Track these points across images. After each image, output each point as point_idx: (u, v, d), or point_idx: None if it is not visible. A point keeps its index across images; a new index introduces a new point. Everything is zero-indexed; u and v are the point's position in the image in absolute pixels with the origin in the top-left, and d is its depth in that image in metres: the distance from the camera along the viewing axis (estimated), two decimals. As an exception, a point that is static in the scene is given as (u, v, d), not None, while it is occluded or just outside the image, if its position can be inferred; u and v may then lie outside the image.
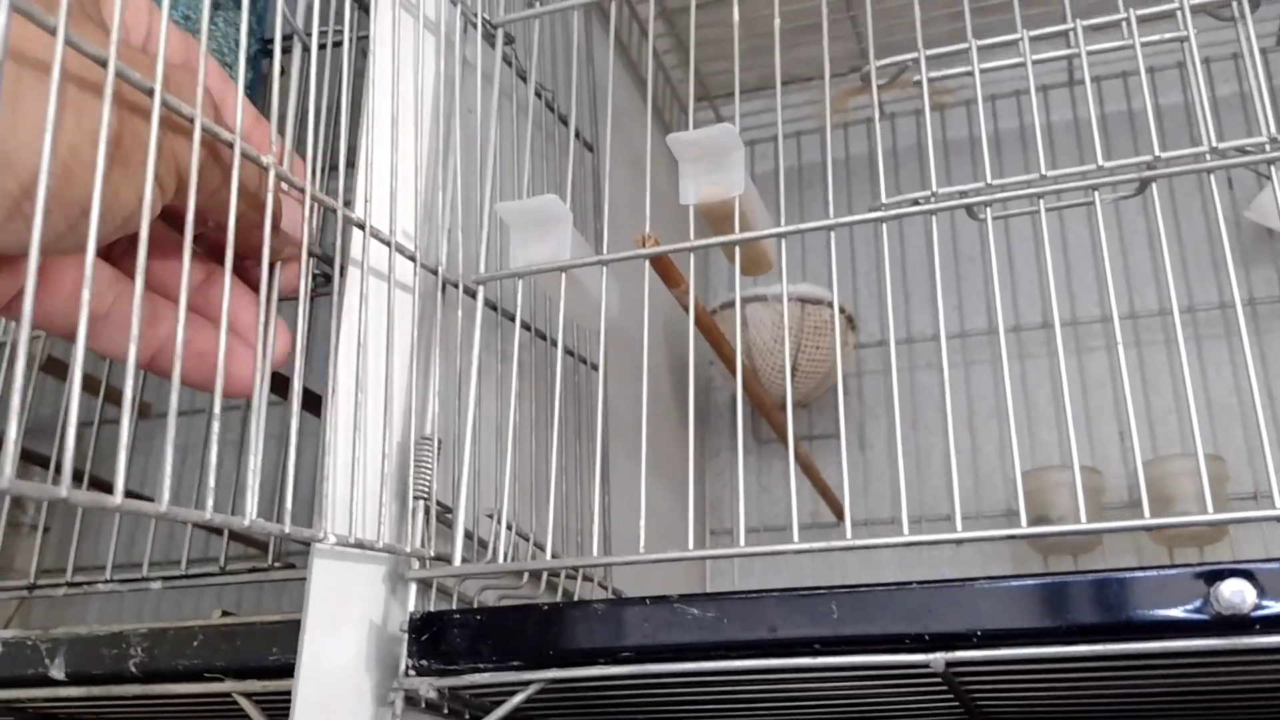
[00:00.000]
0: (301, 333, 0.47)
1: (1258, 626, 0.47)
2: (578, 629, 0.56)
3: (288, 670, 0.55)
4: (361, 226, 0.57)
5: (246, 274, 0.41)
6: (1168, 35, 0.57)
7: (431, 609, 0.60)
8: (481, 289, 0.67)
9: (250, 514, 0.43)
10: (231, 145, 0.39)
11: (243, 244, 0.39)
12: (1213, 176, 0.56)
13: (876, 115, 0.63)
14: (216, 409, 0.40)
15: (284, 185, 0.43)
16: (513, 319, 0.69)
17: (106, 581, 0.75)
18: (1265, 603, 0.47)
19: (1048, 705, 0.64)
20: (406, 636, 0.58)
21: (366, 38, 0.65)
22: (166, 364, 0.37)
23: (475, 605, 0.64)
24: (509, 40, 0.77)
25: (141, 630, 0.65)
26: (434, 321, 0.64)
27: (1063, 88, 1.34)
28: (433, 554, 0.61)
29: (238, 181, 0.39)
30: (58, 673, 0.66)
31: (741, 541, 0.57)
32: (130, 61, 0.33)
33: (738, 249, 0.65)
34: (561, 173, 0.84)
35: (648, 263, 0.67)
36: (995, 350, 1.29)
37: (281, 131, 0.44)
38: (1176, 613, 0.48)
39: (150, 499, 0.38)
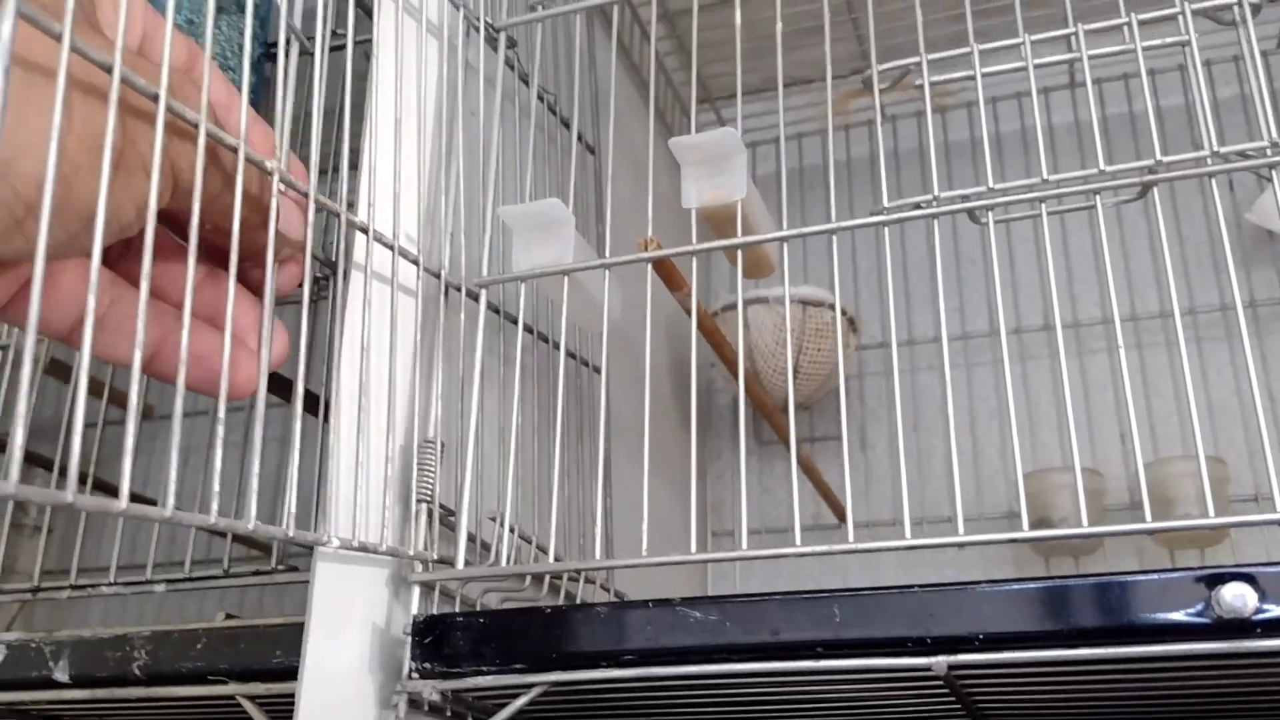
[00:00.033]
0: (304, 335, 0.48)
1: (1259, 630, 0.47)
2: (581, 632, 0.56)
3: (291, 673, 0.55)
4: (365, 230, 0.57)
5: (244, 275, 0.40)
6: (1169, 40, 0.57)
7: (435, 612, 0.60)
8: (484, 292, 0.67)
9: (253, 517, 0.43)
10: (229, 148, 0.39)
11: (244, 246, 0.39)
12: (1214, 180, 0.56)
13: (879, 120, 0.63)
14: (221, 413, 0.40)
15: (282, 187, 0.43)
16: (515, 322, 0.69)
17: (110, 584, 0.75)
18: (1266, 606, 0.47)
19: (1049, 708, 0.64)
20: (410, 639, 0.58)
21: (369, 41, 0.65)
22: (163, 366, 0.37)
23: (478, 608, 0.64)
24: (511, 44, 0.77)
25: (145, 633, 0.65)
26: (437, 325, 0.64)
27: (1064, 89, 1.34)
28: (436, 557, 0.61)
29: (241, 186, 0.39)
30: (62, 675, 0.66)
31: (744, 544, 0.57)
32: (130, 65, 0.33)
33: (740, 253, 0.65)
34: (564, 175, 0.85)
35: (650, 266, 0.67)
36: (997, 352, 1.29)
37: (280, 134, 0.44)
38: (1178, 616, 0.48)
39: (153, 501, 0.38)
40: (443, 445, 0.62)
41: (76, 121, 0.30)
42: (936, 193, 0.60)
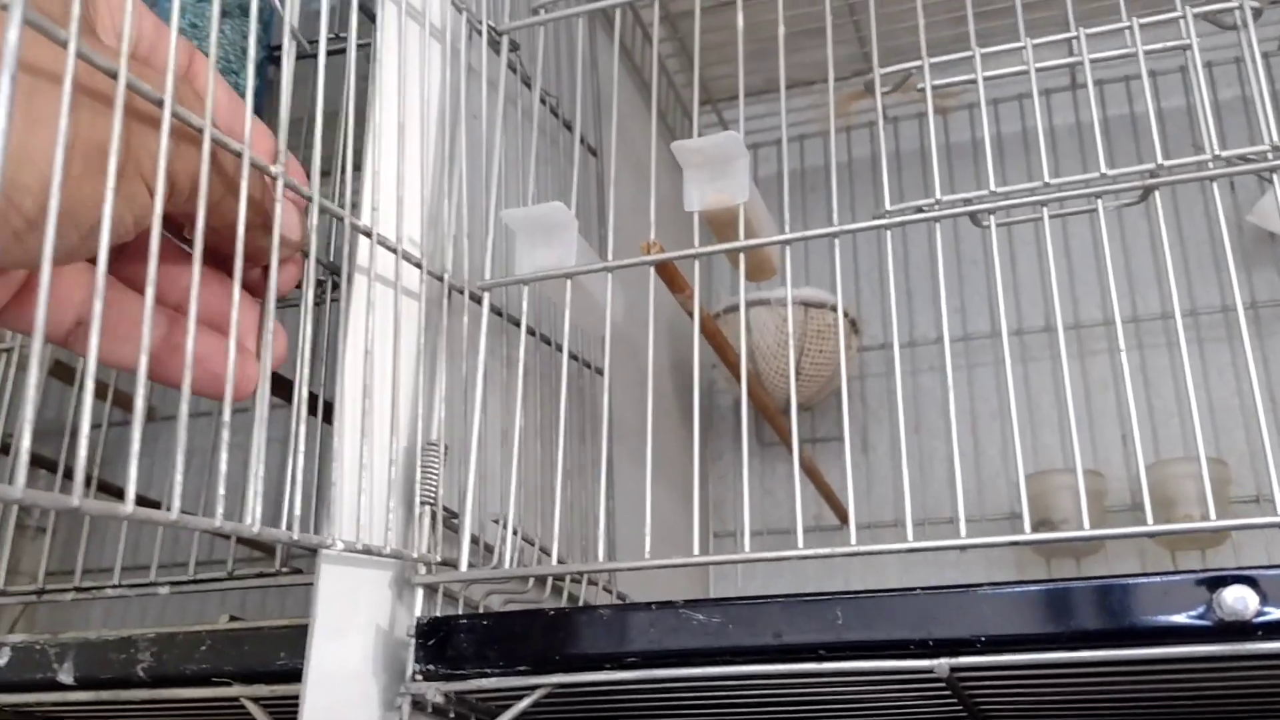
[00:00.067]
0: (306, 337, 0.48)
1: (1260, 632, 0.47)
2: (584, 634, 0.56)
3: (295, 675, 0.55)
4: (369, 234, 0.57)
5: (243, 276, 0.40)
6: (1171, 44, 0.58)
7: (438, 614, 0.61)
8: (487, 295, 0.68)
9: (258, 521, 0.43)
10: (233, 153, 0.39)
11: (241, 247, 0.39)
12: (1215, 182, 0.57)
13: (881, 123, 0.63)
14: (226, 416, 0.41)
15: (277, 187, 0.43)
16: (518, 324, 0.69)
17: (115, 586, 0.75)
18: (1267, 609, 0.47)
19: (1051, 709, 0.64)
20: (413, 641, 0.59)
21: (371, 44, 0.65)
22: (160, 368, 0.37)
23: (481, 610, 0.64)
24: (514, 47, 0.77)
25: (149, 635, 0.65)
26: (440, 327, 0.65)
27: (1065, 91, 1.35)
28: (439, 559, 0.61)
29: (245, 191, 0.39)
30: (66, 677, 0.66)
31: (747, 546, 0.58)
32: (131, 71, 0.33)
33: (742, 255, 0.65)
34: (566, 178, 0.85)
35: (652, 269, 0.67)
36: (998, 353, 1.30)
37: (282, 137, 0.44)
38: (1179, 619, 0.48)
39: (157, 503, 0.38)
40: (446, 447, 0.63)
41: (72, 130, 0.30)
42: (939, 196, 0.60)
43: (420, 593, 0.61)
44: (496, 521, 0.65)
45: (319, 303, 0.75)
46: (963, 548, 0.53)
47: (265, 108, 0.74)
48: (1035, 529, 1.10)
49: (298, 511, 0.47)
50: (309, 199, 0.46)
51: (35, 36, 0.30)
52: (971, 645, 0.50)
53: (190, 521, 0.39)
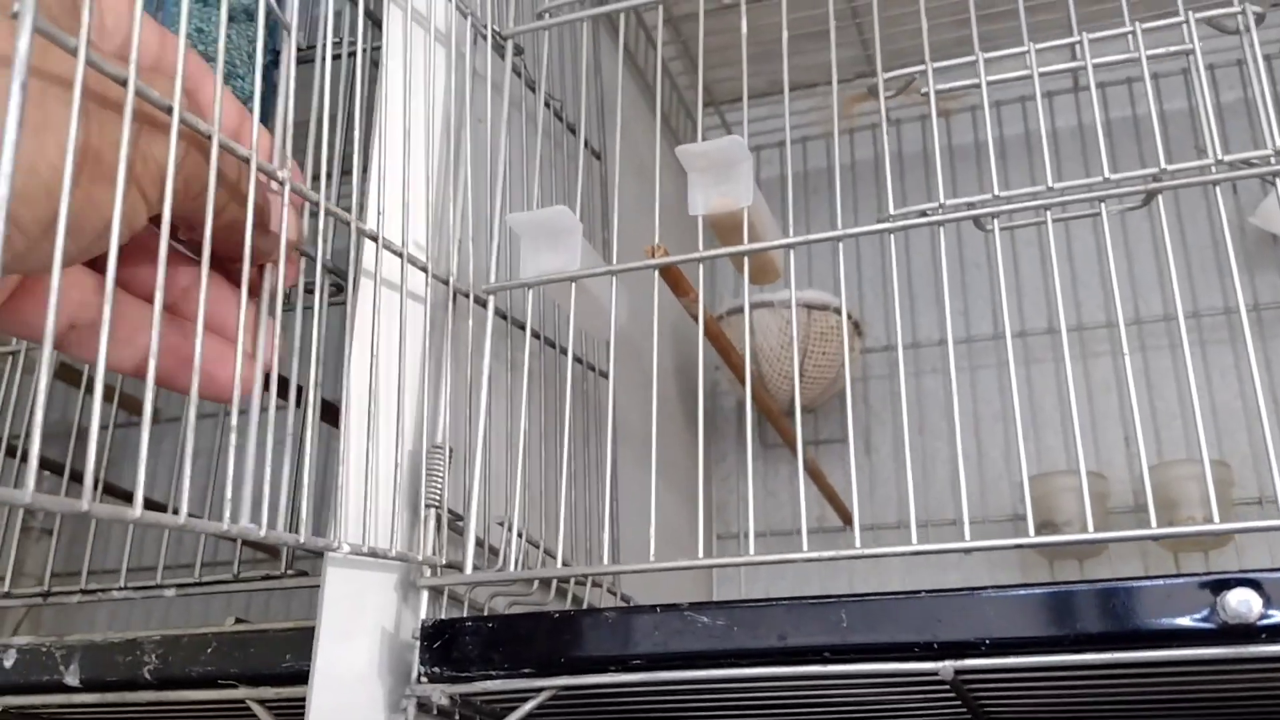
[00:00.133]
0: (316, 340, 0.48)
1: (1264, 635, 0.47)
2: (589, 636, 0.56)
3: (301, 677, 0.55)
4: (374, 238, 0.57)
5: (236, 277, 0.40)
6: (1173, 48, 0.58)
7: (443, 616, 0.61)
8: (492, 298, 0.68)
9: (265, 523, 0.43)
10: (241, 159, 0.39)
11: (234, 246, 0.38)
12: (1218, 186, 0.57)
13: (884, 127, 0.63)
14: (234, 420, 0.41)
15: (273, 186, 0.43)
16: (523, 328, 0.69)
17: (121, 589, 0.75)
18: (1271, 612, 0.47)
19: (1055, 712, 0.64)
20: (419, 644, 0.59)
21: (378, 48, 0.65)
22: (155, 369, 0.37)
23: (486, 612, 0.65)
24: (518, 51, 0.77)
25: (155, 637, 0.65)
26: (445, 331, 0.65)
27: (1067, 93, 1.35)
28: (444, 562, 0.61)
29: (241, 191, 0.39)
30: (72, 679, 0.66)
31: (751, 549, 0.58)
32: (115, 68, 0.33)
33: (746, 259, 0.65)
34: (570, 181, 0.85)
35: (656, 272, 0.67)
36: (1001, 355, 1.30)
37: (283, 141, 0.44)
38: (1183, 622, 0.48)
39: (162, 505, 0.39)
40: (451, 450, 0.63)
41: (62, 134, 0.30)
42: (942, 200, 0.60)
43: (425, 595, 0.61)
44: (501, 524, 0.66)
45: (309, 307, 0.74)
46: (967, 550, 0.53)
47: (271, 113, 0.75)
48: (1038, 530, 1.10)
49: (305, 514, 0.47)
50: (315, 203, 0.47)
51: (39, 42, 0.30)
52: (976, 648, 0.51)
53: (198, 525, 0.39)
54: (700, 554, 0.60)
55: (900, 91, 0.64)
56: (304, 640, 0.59)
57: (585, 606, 0.74)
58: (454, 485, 0.63)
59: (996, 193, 0.59)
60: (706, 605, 0.55)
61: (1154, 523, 0.52)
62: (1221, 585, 0.48)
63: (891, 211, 0.61)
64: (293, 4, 0.49)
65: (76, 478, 0.85)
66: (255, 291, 0.42)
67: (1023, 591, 0.51)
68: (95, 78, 0.32)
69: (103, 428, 0.82)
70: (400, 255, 0.60)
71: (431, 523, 0.61)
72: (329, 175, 0.60)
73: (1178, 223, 1.26)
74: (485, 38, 0.74)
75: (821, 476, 1.17)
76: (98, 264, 0.35)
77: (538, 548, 0.69)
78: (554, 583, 0.69)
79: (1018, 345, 1.28)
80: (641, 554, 0.59)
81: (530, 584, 0.66)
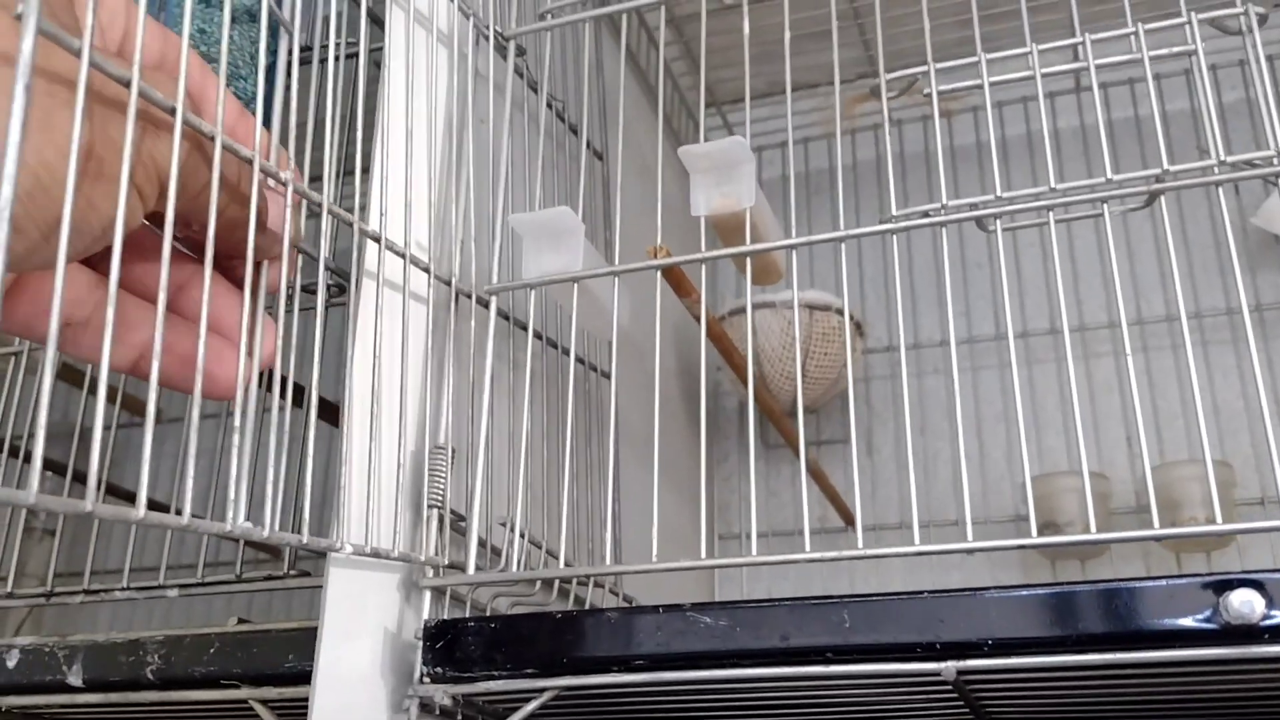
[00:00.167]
0: (319, 340, 0.48)
1: (1266, 636, 0.47)
2: (591, 637, 0.57)
3: (304, 677, 0.55)
4: (377, 239, 0.57)
5: (232, 273, 0.40)
6: (1176, 49, 0.58)
7: (446, 617, 0.61)
8: (494, 299, 0.68)
9: (268, 524, 0.43)
10: (244, 159, 0.39)
11: (232, 244, 0.38)
12: (1220, 187, 0.57)
13: (887, 128, 0.63)
14: (237, 421, 0.41)
15: (271, 184, 0.43)
16: (525, 328, 0.69)
17: (124, 589, 0.75)
18: (1274, 612, 0.47)
19: (1058, 713, 0.64)
20: (421, 644, 0.59)
21: (379, 49, 0.65)
22: (147, 368, 0.37)
23: (489, 613, 0.65)
24: (520, 52, 0.77)
25: (158, 637, 0.65)
26: (447, 331, 0.65)
27: (1070, 94, 1.35)
28: (447, 562, 0.61)
29: (256, 197, 0.39)
30: (75, 679, 0.66)
31: (754, 549, 0.58)
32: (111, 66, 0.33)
33: (748, 260, 0.65)
34: (572, 182, 0.85)
35: (659, 273, 0.67)
36: (1003, 356, 1.30)
37: (285, 141, 0.44)
38: (1186, 622, 0.48)
39: (165, 506, 0.39)
40: (453, 451, 0.63)
41: (57, 131, 0.30)
42: (945, 201, 0.60)
43: (428, 595, 0.61)
44: (504, 524, 0.66)
45: (307, 307, 0.75)
46: (970, 551, 0.53)
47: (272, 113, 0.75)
48: (1040, 531, 1.10)
49: (306, 515, 0.47)
50: (318, 204, 0.47)
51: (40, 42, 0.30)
52: (979, 648, 0.51)
53: (202, 525, 0.39)
54: (702, 554, 0.60)
55: (902, 92, 0.64)
56: (307, 640, 0.59)
57: (588, 607, 0.74)
58: (456, 486, 0.64)
59: (999, 193, 0.59)
60: (709, 606, 0.55)
61: (1156, 523, 0.52)
62: (1224, 586, 0.48)
63: (894, 212, 0.61)
64: (294, 4, 0.49)
65: (79, 478, 0.85)
66: (254, 290, 0.42)
67: (1025, 592, 0.51)
68: (93, 77, 0.32)
69: (106, 428, 0.82)
70: (403, 256, 0.60)
71: (434, 523, 0.61)
72: (334, 175, 0.60)
73: (1180, 223, 1.26)
74: (487, 38, 0.74)
75: (823, 477, 1.17)
76: (90, 260, 0.35)
77: (540, 548, 0.70)
78: (556, 583, 0.69)
79: (1020, 346, 1.28)
80: (644, 554, 0.59)
81: (532, 584, 0.67)
